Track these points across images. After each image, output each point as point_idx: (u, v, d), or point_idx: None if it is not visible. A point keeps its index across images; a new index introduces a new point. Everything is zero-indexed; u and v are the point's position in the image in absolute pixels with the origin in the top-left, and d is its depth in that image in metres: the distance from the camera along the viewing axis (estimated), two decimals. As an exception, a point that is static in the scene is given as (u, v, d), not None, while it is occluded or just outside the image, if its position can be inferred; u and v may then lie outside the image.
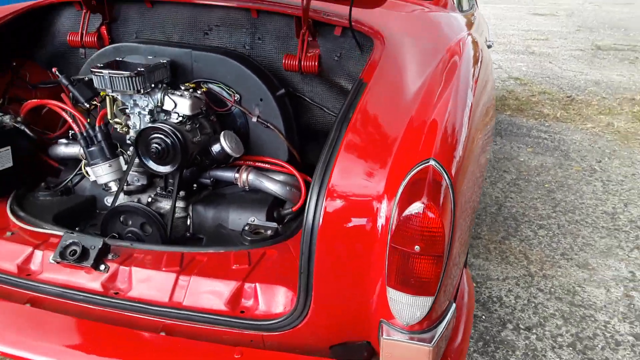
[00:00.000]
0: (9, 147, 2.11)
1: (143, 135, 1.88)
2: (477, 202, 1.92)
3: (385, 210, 1.36)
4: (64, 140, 2.29)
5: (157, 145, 1.86)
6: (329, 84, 2.22)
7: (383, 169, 1.42)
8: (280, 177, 2.12)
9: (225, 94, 2.11)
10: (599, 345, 2.51)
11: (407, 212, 1.27)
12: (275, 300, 1.60)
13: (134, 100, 1.99)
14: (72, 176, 2.16)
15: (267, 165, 2.11)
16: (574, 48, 9.82)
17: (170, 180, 2.04)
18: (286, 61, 2.11)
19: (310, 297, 1.45)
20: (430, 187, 1.28)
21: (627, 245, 3.34)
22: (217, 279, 1.65)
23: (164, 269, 1.68)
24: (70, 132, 2.28)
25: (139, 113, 2.01)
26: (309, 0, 1.97)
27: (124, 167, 2.08)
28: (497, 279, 2.97)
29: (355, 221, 1.39)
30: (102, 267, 1.69)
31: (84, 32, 2.33)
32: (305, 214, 1.41)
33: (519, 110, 6.10)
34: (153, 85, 1.94)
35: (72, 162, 2.32)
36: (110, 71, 1.88)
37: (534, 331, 2.58)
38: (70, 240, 1.72)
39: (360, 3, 2.01)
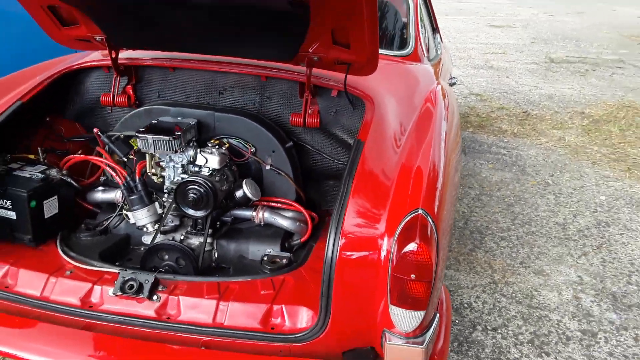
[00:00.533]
0: (55, 197, 2.47)
1: (181, 187, 2.29)
2: (453, 222, 2.40)
3: (386, 246, 1.82)
4: (100, 188, 2.66)
5: (193, 195, 2.27)
6: (326, 135, 2.67)
7: (383, 213, 1.89)
8: (290, 214, 2.55)
9: (242, 147, 2.53)
10: (553, 341, 3.02)
11: (405, 249, 1.73)
12: (298, 317, 2.03)
13: (170, 157, 2.39)
14: (111, 218, 2.54)
15: (278, 205, 2.54)
16: (529, 61, 10.57)
17: (199, 220, 2.45)
18: (293, 118, 2.56)
19: (329, 315, 1.89)
20: (420, 230, 1.76)
21: (575, 253, 3.90)
22: (250, 303, 2.08)
23: (206, 296, 2.10)
24: (102, 178, 2.67)
25: (173, 167, 2.41)
26: (311, 71, 2.43)
27: (159, 211, 2.48)
28: (466, 287, 3.47)
29: (363, 254, 1.85)
30: (155, 297, 2.09)
31: (115, 93, 2.72)
32: (326, 251, 1.85)
33: (480, 127, 6.69)
34: (185, 144, 2.35)
35: (107, 206, 2.71)
36: (154, 136, 2.28)
37: (499, 331, 3.08)
38: (128, 277, 2.11)
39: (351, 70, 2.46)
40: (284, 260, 2.36)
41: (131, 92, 2.76)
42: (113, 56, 2.64)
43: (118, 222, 2.57)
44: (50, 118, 2.83)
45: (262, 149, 2.54)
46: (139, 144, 2.35)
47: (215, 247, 2.50)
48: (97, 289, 2.15)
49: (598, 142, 6.37)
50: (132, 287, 2.09)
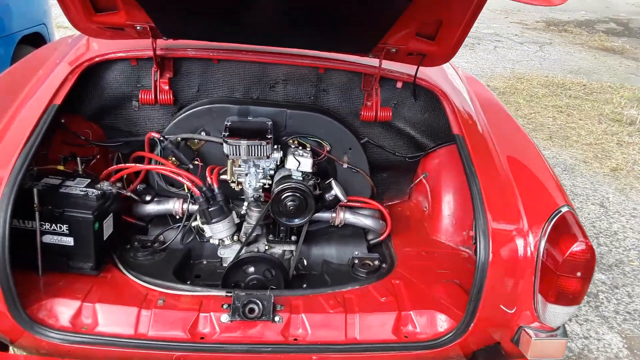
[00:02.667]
0: (111, 215, 2.12)
1: (278, 196, 2.09)
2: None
3: (532, 244, 1.86)
4: (148, 198, 2.33)
5: (293, 203, 2.10)
6: (385, 127, 2.61)
7: (518, 211, 1.92)
8: (367, 212, 2.47)
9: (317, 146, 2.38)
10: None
11: (572, 249, 1.78)
12: (429, 323, 2.00)
13: (254, 162, 2.17)
14: (178, 233, 2.25)
15: (358, 204, 2.45)
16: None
17: (282, 228, 2.27)
18: (364, 113, 2.45)
19: (474, 317, 1.90)
20: (579, 227, 1.82)
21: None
22: (377, 313, 2.00)
23: (331, 311, 1.97)
24: (140, 186, 2.35)
25: (255, 172, 2.19)
26: (381, 62, 2.34)
27: (236, 221, 2.25)
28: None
29: (511, 255, 1.87)
30: (277, 318, 1.92)
31: (157, 90, 2.37)
32: (478, 256, 1.84)
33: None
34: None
35: (156, 218, 2.39)
36: (249, 141, 2.04)
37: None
38: (247, 299, 1.91)
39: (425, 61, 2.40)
40: (376, 262, 2.29)
41: (168, 88, 2.43)
42: (154, 47, 2.29)
43: (193, 236, 2.29)
44: (65, 119, 2.40)
45: (337, 147, 2.41)
46: (226, 149, 2.09)
47: (294, 254, 2.35)
48: (204, 316, 1.92)
49: (512, 114, 6.98)
50: (253, 310, 1.90)
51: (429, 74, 2.54)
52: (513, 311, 1.92)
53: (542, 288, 1.85)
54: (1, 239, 1.74)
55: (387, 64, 2.44)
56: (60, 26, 7.01)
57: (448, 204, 2.51)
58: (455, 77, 2.83)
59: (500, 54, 10.37)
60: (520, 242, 1.88)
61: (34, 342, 1.83)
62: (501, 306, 1.92)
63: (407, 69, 2.49)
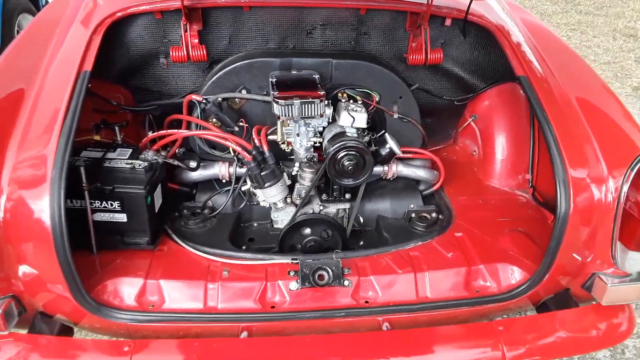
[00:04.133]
0: (160, 185, 2.02)
1: (334, 156, 1.98)
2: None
3: (612, 190, 1.78)
4: (194, 165, 2.21)
5: (351, 162, 1.98)
6: (432, 69, 2.45)
7: (596, 156, 1.82)
8: (419, 163, 2.37)
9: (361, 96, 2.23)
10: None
11: None
12: (500, 276, 1.96)
13: (304, 120, 2.03)
14: (229, 198, 2.15)
15: (409, 155, 2.34)
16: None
17: (335, 187, 2.17)
18: (412, 56, 2.29)
19: (550, 269, 1.85)
20: None
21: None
22: (446, 269, 1.95)
23: (400, 271, 1.92)
24: (180, 150, 2.22)
25: (306, 131, 2.06)
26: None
27: (288, 182, 2.14)
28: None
29: (591, 202, 1.79)
30: (346, 282, 1.87)
31: (189, 45, 2.18)
32: (558, 208, 1.77)
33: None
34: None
35: (201, 184, 2.29)
36: (302, 100, 1.90)
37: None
38: (316, 266, 1.84)
39: None
40: (433, 215, 2.22)
41: (198, 42, 2.24)
42: (183, -3, 2.09)
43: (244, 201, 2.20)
44: (91, 84, 2.22)
45: (386, 96, 2.26)
46: (277, 110, 1.95)
47: (347, 211, 2.27)
48: (273, 285, 1.86)
49: None
50: (322, 277, 1.84)
51: (477, 8, 2.35)
52: (588, 259, 1.88)
53: (622, 235, 1.79)
54: (58, 223, 1.64)
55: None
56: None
57: (501, 147, 2.41)
58: (499, 7, 2.63)
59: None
60: (599, 189, 1.79)
61: (100, 323, 1.78)
62: (574, 254, 1.87)
63: (454, 4, 2.31)
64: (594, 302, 1.94)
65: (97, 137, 2.12)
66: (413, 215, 2.21)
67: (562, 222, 1.77)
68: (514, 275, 1.95)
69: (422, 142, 2.40)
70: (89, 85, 2.16)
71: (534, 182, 2.32)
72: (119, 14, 2.16)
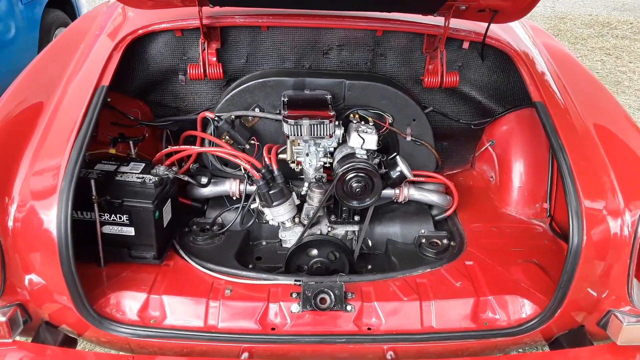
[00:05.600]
0: (169, 200, 2.03)
1: (342, 177, 1.96)
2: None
3: (629, 222, 1.71)
4: (205, 181, 2.22)
5: (359, 184, 1.96)
6: (450, 92, 2.42)
7: (613, 187, 1.76)
8: (432, 187, 2.33)
9: (378, 119, 2.21)
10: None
11: None
12: (510, 308, 1.89)
13: (314, 140, 2.03)
14: (237, 215, 2.15)
15: (421, 179, 2.30)
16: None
17: (344, 208, 2.15)
18: (427, 79, 2.26)
19: (562, 304, 1.77)
20: None
21: None
22: (454, 299, 1.89)
23: (405, 298, 1.87)
24: (193, 166, 2.24)
25: (316, 152, 2.06)
26: (448, 21, 2.13)
27: (297, 202, 2.13)
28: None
29: (606, 235, 1.72)
30: (349, 307, 1.83)
31: (206, 63, 2.21)
32: (570, 240, 1.70)
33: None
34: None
35: (212, 200, 2.30)
36: (312, 120, 1.89)
37: None
38: (318, 289, 1.82)
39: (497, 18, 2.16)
40: (444, 241, 2.17)
41: (216, 60, 2.27)
42: (201, 15, 2.12)
43: (253, 219, 2.19)
44: (111, 98, 2.27)
45: (400, 118, 2.24)
46: (287, 129, 1.95)
47: (357, 234, 2.24)
48: (274, 307, 1.84)
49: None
50: (324, 300, 1.81)
51: (497, 30, 2.32)
52: (603, 295, 1.80)
53: (639, 272, 1.71)
54: (64, 234, 1.66)
55: (452, 23, 2.22)
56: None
57: (519, 174, 2.35)
58: (521, 29, 2.59)
59: (539, -9, 9.76)
60: (615, 222, 1.72)
61: (102, 336, 1.79)
62: (589, 289, 1.79)
63: (473, 26, 2.27)
64: (610, 341, 1.85)
65: (112, 151, 2.16)
66: (423, 240, 2.17)
67: (574, 255, 1.71)
68: (524, 308, 1.88)
69: (436, 165, 2.36)
70: (109, 100, 2.22)
71: (552, 212, 2.25)
72: (140, 32, 2.21)
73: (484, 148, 2.51)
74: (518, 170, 2.35)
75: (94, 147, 2.21)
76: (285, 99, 2.04)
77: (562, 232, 2.14)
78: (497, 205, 2.37)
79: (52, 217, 1.67)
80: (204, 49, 2.21)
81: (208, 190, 2.23)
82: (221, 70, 2.24)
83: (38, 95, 2.01)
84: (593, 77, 2.31)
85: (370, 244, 2.23)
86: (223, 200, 2.29)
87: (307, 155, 2.07)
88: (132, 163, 2.06)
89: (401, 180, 2.11)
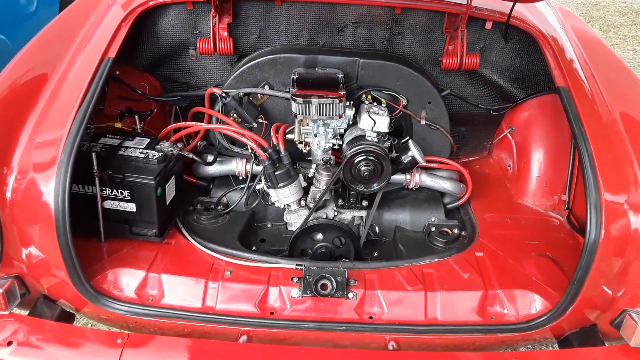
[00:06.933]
0: (173, 177, 1.98)
1: (350, 159, 1.89)
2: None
3: None
4: (210, 159, 2.17)
5: (368, 168, 1.89)
6: (469, 75, 2.31)
7: (636, 180, 1.66)
8: (445, 174, 2.24)
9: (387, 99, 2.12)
10: None
11: None
12: (519, 303, 1.81)
13: (323, 121, 1.95)
14: (242, 196, 2.10)
15: (434, 165, 2.21)
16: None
17: (352, 192, 2.08)
18: (446, 60, 2.16)
19: (574, 301, 1.69)
20: None
21: None
22: (460, 291, 1.82)
23: (409, 288, 1.81)
24: (201, 143, 2.19)
25: (325, 132, 1.98)
26: None
27: (303, 184, 2.07)
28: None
29: (626, 230, 1.63)
30: (351, 294, 1.77)
31: (216, 37, 2.14)
32: (587, 234, 1.61)
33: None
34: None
35: (218, 179, 2.25)
36: (320, 100, 1.82)
37: None
38: (319, 274, 1.76)
39: None
40: (455, 230, 2.08)
41: (227, 35, 2.20)
42: (212, -13, 2.05)
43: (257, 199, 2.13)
44: (119, 71, 2.23)
45: (415, 101, 2.15)
46: (294, 108, 1.88)
47: (364, 219, 2.17)
48: (274, 290, 1.79)
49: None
50: (325, 286, 1.75)
51: (523, 11, 2.20)
52: (618, 293, 1.70)
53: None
54: (61, 207, 1.63)
55: (475, 1, 2.11)
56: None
57: (538, 164, 2.24)
58: (549, 11, 2.45)
59: (573, -24, 9.43)
60: (636, 217, 1.62)
61: (99, 312, 1.76)
62: (604, 287, 1.70)
63: (497, 5, 2.16)
64: (623, 342, 1.76)
65: (118, 125, 2.12)
66: (433, 229, 2.08)
67: (590, 250, 1.61)
68: (534, 304, 1.80)
69: (451, 152, 2.26)
70: (117, 72, 2.18)
71: (571, 204, 2.15)
72: (150, 3, 2.15)
73: (502, 135, 2.40)
74: (537, 160, 2.24)
75: (101, 120, 2.18)
76: (295, 77, 1.97)
77: (580, 226, 2.04)
78: (514, 195, 2.27)
79: (51, 189, 1.64)
80: (215, 23, 2.13)
81: (214, 169, 2.18)
82: (232, 46, 2.16)
83: (43, 66, 1.96)
84: (623, 64, 2.18)
85: (377, 230, 2.15)
86: (229, 180, 2.24)
87: (316, 135, 2.00)
88: (137, 138, 2.01)
89: (413, 165, 2.03)
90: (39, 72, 1.95)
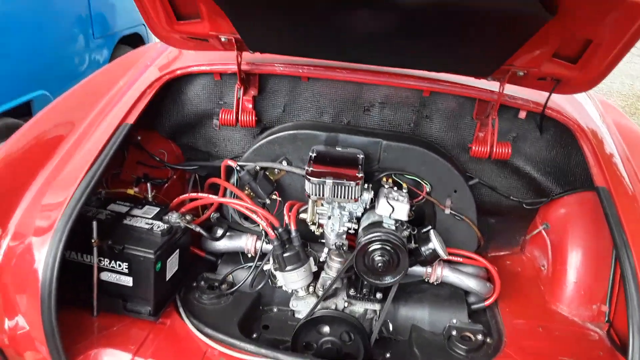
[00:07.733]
0: (177, 251, 1.88)
1: (364, 247, 1.74)
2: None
3: None
4: (220, 233, 2.06)
5: (382, 258, 1.73)
6: (500, 164, 2.17)
7: None
8: (471, 270, 2.06)
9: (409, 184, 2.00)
10: None
11: None
12: None
13: (339, 203, 1.83)
14: (248, 276, 1.96)
15: (459, 259, 2.04)
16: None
17: (366, 283, 1.91)
18: (476, 147, 2.03)
19: None
20: None
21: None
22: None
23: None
24: (213, 216, 2.08)
25: (340, 215, 1.86)
26: (504, 87, 1.91)
27: (314, 269, 1.92)
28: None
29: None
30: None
31: (239, 109, 2.10)
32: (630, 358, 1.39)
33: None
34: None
35: (227, 255, 2.14)
36: (336, 180, 1.71)
37: None
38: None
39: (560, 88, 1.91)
40: (479, 336, 1.86)
41: (251, 107, 2.15)
42: (239, 61, 2.02)
43: (265, 280, 2.00)
44: (141, 136, 2.20)
45: (439, 188, 2.01)
46: (308, 188, 1.77)
47: (378, 315, 1.98)
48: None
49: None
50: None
51: (559, 102, 2.08)
52: None
53: None
54: (49, 278, 1.53)
55: (508, 89, 2.00)
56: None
57: (575, 267, 2.03)
58: (589, 103, 2.32)
59: (618, 67, 9.29)
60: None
61: None
62: None
63: (533, 94, 2.05)
64: None
65: (131, 191, 2.06)
66: (454, 332, 1.87)
67: None
68: None
69: (478, 245, 2.09)
70: (139, 138, 2.15)
71: (612, 317, 1.91)
72: (178, 72, 2.15)
73: (536, 231, 2.21)
74: (574, 263, 2.03)
75: (117, 185, 2.12)
76: (313, 154, 1.88)
77: (621, 344, 1.80)
78: (547, 300, 2.05)
79: (42, 257, 1.55)
80: (240, 97, 2.10)
81: (223, 244, 2.07)
82: (254, 118, 2.11)
83: (60, 128, 1.95)
84: None
85: (391, 327, 1.96)
86: (238, 257, 2.11)
87: (330, 218, 1.87)
88: (147, 206, 1.94)
89: (433, 258, 1.86)
90: (54, 133, 1.93)
